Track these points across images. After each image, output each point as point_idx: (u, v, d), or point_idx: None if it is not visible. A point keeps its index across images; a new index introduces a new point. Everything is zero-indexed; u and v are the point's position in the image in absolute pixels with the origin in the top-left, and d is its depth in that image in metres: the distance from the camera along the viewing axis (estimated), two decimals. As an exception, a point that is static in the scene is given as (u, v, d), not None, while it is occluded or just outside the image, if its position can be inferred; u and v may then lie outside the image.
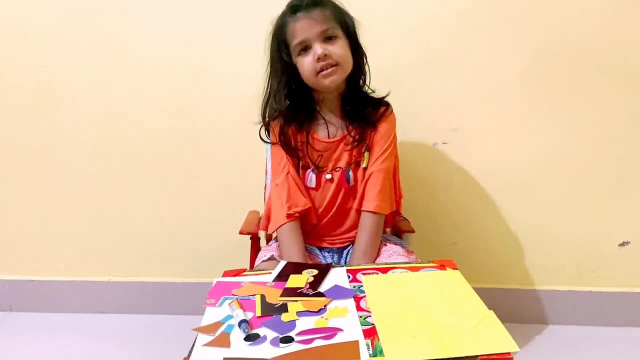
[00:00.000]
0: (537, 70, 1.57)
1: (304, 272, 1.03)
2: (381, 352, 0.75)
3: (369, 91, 1.28)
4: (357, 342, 0.78)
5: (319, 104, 1.25)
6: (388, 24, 1.55)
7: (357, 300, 0.91)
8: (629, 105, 1.58)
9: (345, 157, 1.24)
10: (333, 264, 1.26)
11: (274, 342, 0.79)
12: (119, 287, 1.85)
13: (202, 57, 1.62)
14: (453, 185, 1.68)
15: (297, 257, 1.18)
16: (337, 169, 1.25)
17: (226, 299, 0.93)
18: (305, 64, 1.16)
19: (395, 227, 1.39)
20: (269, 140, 1.28)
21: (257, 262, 1.27)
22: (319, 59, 1.13)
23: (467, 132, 1.63)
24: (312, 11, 1.14)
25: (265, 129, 1.27)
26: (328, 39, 1.15)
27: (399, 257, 1.19)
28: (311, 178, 1.25)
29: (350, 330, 0.82)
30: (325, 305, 0.89)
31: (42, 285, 1.86)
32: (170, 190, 1.76)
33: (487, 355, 0.74)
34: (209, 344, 0.80)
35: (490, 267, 1.74)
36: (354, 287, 0.97)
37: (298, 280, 0.99)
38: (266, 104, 1.24)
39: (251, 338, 0.80)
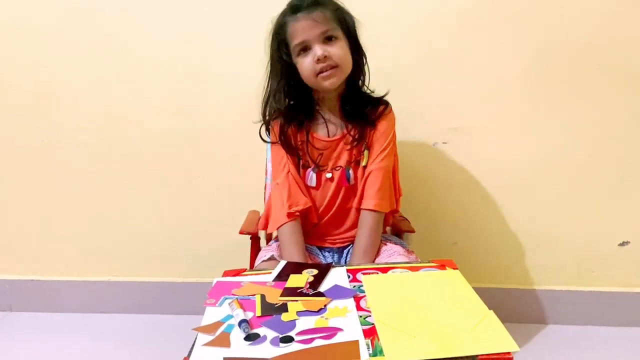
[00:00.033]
0: (538, 69, 1.57)
1: (304, 271, 1.03)
2: (381, 352, 0.75)
3: (368, 91, 1.27)
4: (357, 341, 0.78)
5: (319, 103, 1.25)
6: (389, 23, 1.55)
7: (357, 300, 0.91)
8: (630, 105, 1.58)
9: (345, 156, 1.24)
10: (333, 263, 1.26)
11: (274, 342, 0.79)
12: (119, 287, 1.85)
13: (202, 57, 1.62)
14: (453, 185, 1.68)
15: (297, 256, 1.18)
16: (337, 168, 1.25)
17: (226, 299, 0.93)
18: (305, 65, 1.15)
19: (395, 227, 1.39)
20: (269, 140, 1.28)
21: (257, 262, 1.27)
22: (318, 61, 1.13)
23: (467, 132, 1.63)
24: (313, 12, 1.13)
25: (266, 128, 1.27)
26: (328, 39, 1.14)
27: (399, 257, 1.19)
28: (311, 177, 1.25)
29: (350, 330, 0.81)
30: (325, 305, 0.89)
31: (42, 285, 1.86)
32: (170, 190, 1.76)
33: (487, 355, 0.74)
34: (209, 343, 0.80)
35: (490, 267, 1.74)
36: (354, 286, 0.97)
37: (298, 280, 0.99)
38: (266, 104, 1.24)
39: (251, 338, 0.80)
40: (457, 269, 1.03)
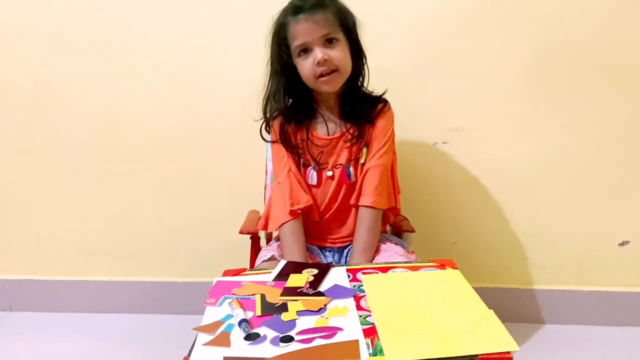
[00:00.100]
0: (538, 69, 1.57)
1: (304, 271, 1.03)
2: (381, 352, 0.75)
3: (367, 91, 1.27)
4: (357, 341, 0.78)
5: (318, 102, 1.25)
6: (389, 23, 1.55)
7: (357, 299, 0.91)
8: (630, 105, 1.58)
9: (345, 154, 1.25)
10: (333, 263, 1.26)
11: (274, 342, 0.79)
12: (119, 287, 1.85)
13: (202, 57, 1.62)
14: (453, 185, 1.68)
15: (298, 256, 1.18)
16: (337, 166, 1.25)
17: (226, 299, 0.93)
18: (305, 67, 1.15)
19: (395, 227, 1.39)
20: (269, 139, 1.28)
21: (258, 262, 1.27)
22: (319, 64, 1.13)
23: (467, 132, 1.63)
24: (315, 14, 1.12)
25: (266, 127, 1.28)
26: (329, 42, 1.14)
27: (399, 257, 1.19)
28: (312, 175, 1.25)
29: (350, 329, 0.81)
30: (325, 305, 0.89)
31: (42, 285, 1.86)
32: (170, 190, 1.76)
33: (487, 354, 0.74)
34: (209, 343, 0.80)
35: (490, 267, 1.74)
36: (354, 286, 0.97)
37: (298, 280, 0.99)
38: (266, 103, 1.25)
39: (251, 337, 0.80)
40: (457, 268, 1.03)
